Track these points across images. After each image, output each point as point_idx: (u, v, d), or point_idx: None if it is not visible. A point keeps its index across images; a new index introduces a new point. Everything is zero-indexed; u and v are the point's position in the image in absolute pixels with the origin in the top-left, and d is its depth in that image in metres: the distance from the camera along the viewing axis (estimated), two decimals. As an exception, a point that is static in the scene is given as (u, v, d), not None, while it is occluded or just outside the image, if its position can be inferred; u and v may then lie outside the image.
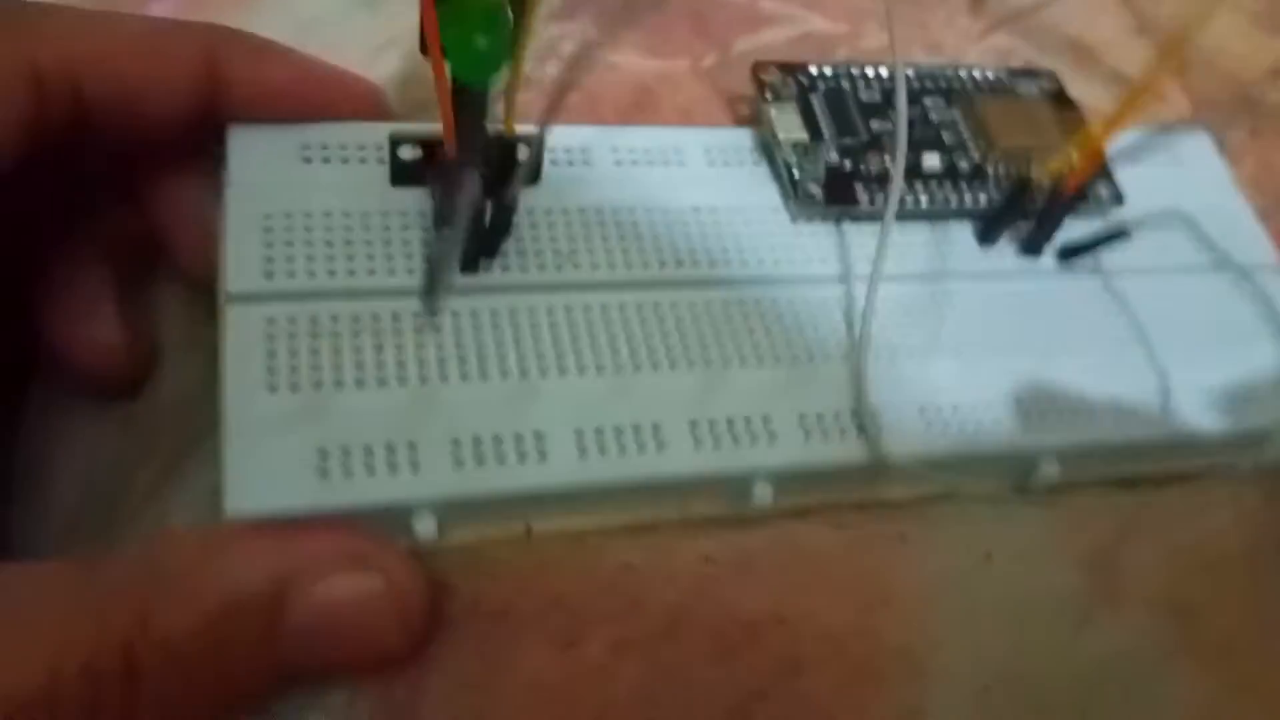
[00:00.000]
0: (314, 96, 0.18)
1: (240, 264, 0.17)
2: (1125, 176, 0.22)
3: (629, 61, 0.21)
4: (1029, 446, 0.18)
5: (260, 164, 0.18)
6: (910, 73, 0.22)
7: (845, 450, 0.17)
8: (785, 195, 0.20)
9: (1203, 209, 0.23)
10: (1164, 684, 0.18)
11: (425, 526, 0.15)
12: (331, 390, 0.16)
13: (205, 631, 0.13)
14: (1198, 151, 0.24)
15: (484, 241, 0.18)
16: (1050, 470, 0.18)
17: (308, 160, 0.19)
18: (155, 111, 0.17)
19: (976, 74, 0.23)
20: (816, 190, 0.20)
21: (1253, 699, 0.18)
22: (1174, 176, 0.23)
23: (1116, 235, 0.20)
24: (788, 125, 0.20)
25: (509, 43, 0.15)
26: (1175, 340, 0.20)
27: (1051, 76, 0.23)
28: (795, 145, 0.20)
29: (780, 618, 0.16)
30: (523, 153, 0.18)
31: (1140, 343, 0.20)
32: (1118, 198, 0.21)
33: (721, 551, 0.17)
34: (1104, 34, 0.23)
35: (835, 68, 0.22)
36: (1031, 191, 0.19)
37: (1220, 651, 0.18)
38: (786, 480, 0.17)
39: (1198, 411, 0.19)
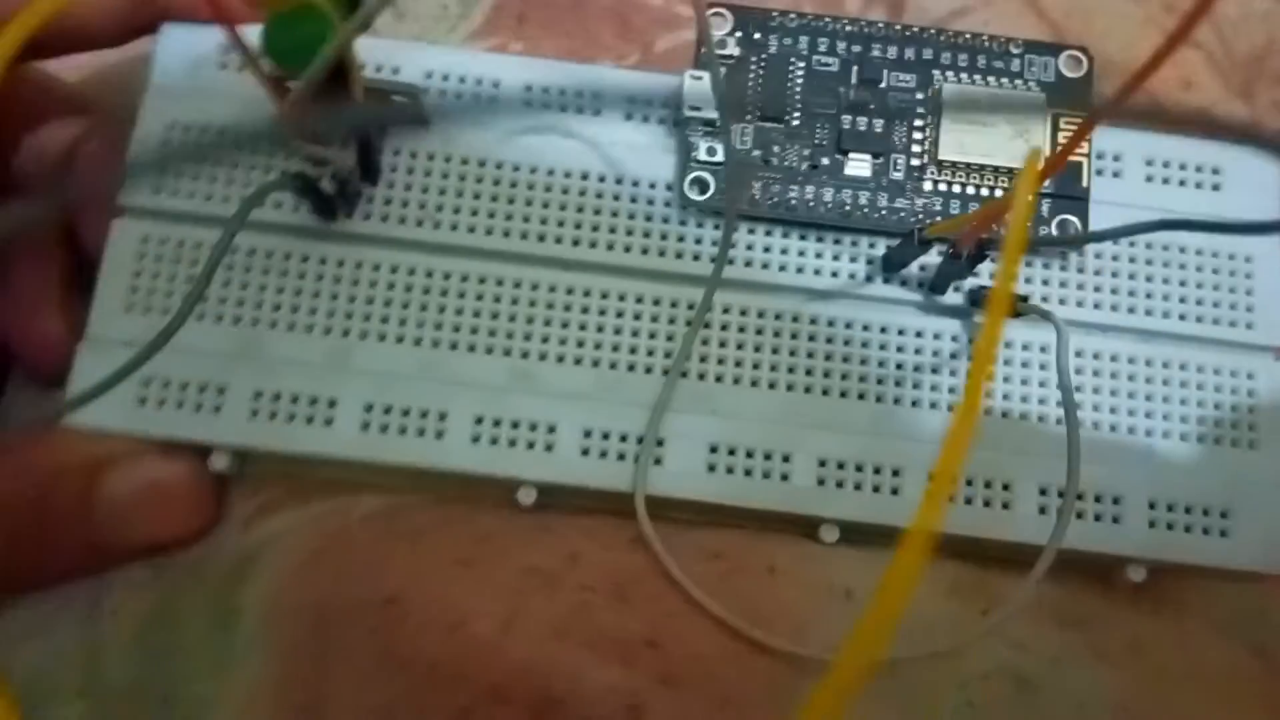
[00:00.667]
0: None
1: (135, 179, 0.19)
2: (1137, 194, 0.20)
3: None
4: (807, 513, 0.18)
5: (179, 68, 0.19)
6: (879, 34, 0.20)
7: (612, 478, 0.18)
8: (675, 180, 0.19)
9: (1220, 257, 0.20)
10: (1058, 683, 0.18)
11: (220, 462, 0.18)
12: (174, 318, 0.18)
13: (25, 494, 0.16)
14: (1253, 181, 0.20)
15: (340, 196, 0.18)
16: (830, 535, 0.18)
17: (223, 66, 0.20)
18: (93, 19, 0.19)
19: (978, 43, 0.20)
20: (702, 185, 0.19)
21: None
22: (1204, 204, 0.19)
23: (1015, 309, 0.17)
24: (701, 98, 0.19)
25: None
26: (1069, 420, 0.17)
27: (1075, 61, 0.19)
28: (704, 124, 0.19)
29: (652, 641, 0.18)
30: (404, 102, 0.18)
31: (1017, 412, 0.19)
32: (1081, 237, 0.19)
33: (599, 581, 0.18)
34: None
35: (802, 17, 0.19)
36: (924, 242, 0.17)
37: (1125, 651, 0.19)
38: (553, 490, 0.18)
39: (1018, 515, 0.18)
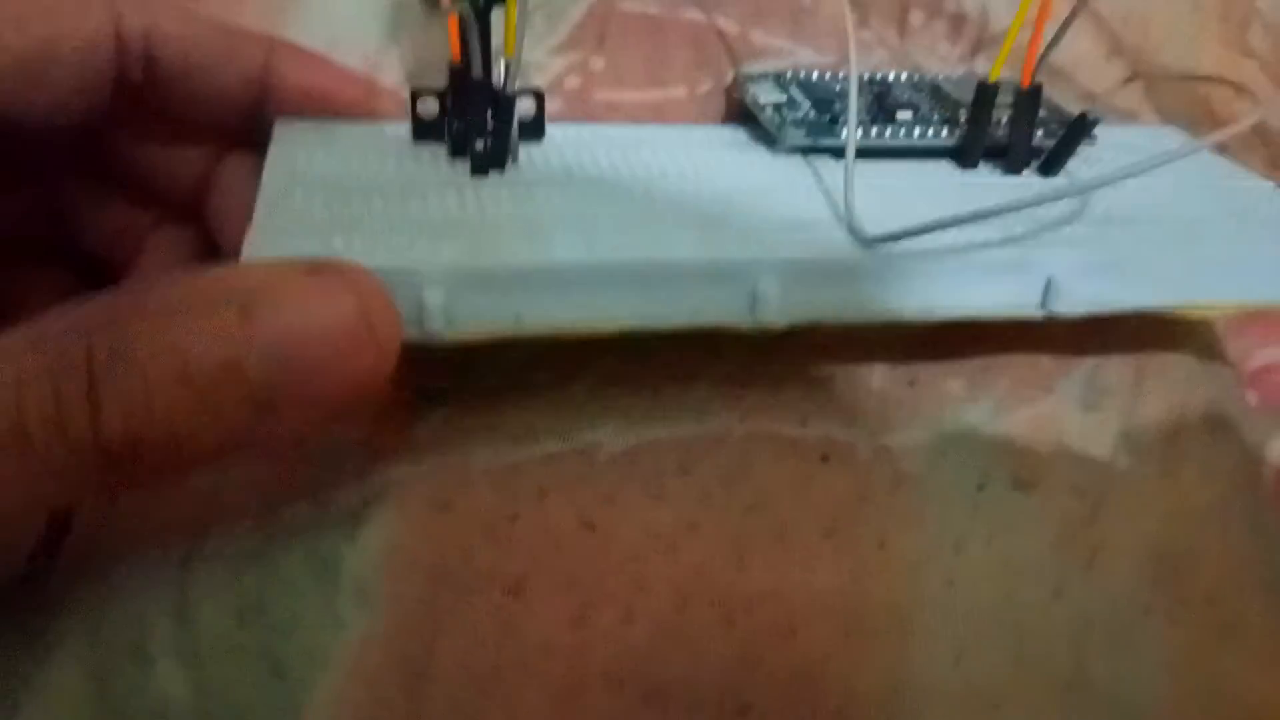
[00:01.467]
0: (349, 97, 0.21)
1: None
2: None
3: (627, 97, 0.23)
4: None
5: (298, 148, 0.21)
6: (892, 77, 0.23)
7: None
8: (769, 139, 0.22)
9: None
10: (1146, 634, 0.18)
11: (434, 297, 0.16)
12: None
13: (165, 340, 0.12)
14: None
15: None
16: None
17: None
18: (217, 94, 0.20)
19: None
20: (797, 129, 0.21)
21: (1232, 643, 0.19)
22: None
23: (1080, 127, 0.21)
24: (767, 92, 0.23)
25: None
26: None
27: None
28: (775, 105, 0.22)
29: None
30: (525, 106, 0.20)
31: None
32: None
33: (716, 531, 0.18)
34: (1076, 55, 0.24)
35: (819, 71, 0.24)
36: (992, 104, 0.21)
37: (1202, 601, 0.19)
38: (790, 281, 0.17)
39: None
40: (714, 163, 0.21)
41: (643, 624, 0.17)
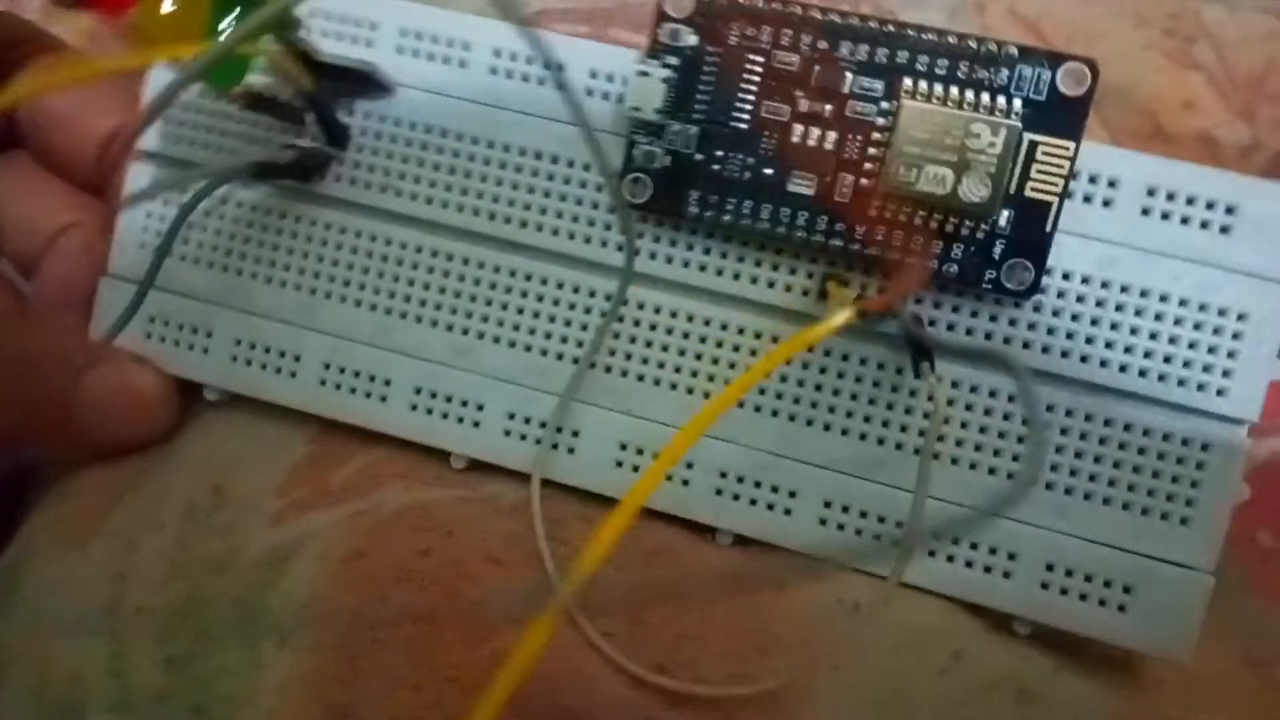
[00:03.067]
0: None
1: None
2: (1134, 229, 0.18)
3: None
4: (707, 521, 0.19)
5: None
6: (845, 32, 0.18)
7: (524, 460, 0.20)
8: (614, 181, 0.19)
9: (1208, 310, 0.18)
10: (1057, 694, 0.19)
11: (212, 394, 0.21)
12: (175, 262, 0.21)
13: (19, 367, 0.19)
14: (1272, 225, 0.18)
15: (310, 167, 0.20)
16: (725, 541, 0.19)
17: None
18: None
19: (955, 50, 0.17)
20: (640, 188, 0.19)
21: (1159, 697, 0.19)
22: (1209, 249, 0.18)
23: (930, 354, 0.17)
24: (644, 97, 0.18)
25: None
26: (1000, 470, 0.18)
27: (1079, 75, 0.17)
28: (645, 125, 0.19)
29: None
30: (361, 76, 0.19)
31: (956, 460, 0.18)
32: (1031, 288, 0.18)
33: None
34: None
35: (758, 11, 0.18)
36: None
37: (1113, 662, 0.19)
38: (479, 466, 0.20)
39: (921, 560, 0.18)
40: (561, 191, 0.20)
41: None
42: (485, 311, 0.19)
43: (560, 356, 0.19)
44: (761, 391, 0.19)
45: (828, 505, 0.18)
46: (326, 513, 0.20)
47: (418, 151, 0.20)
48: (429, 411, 0.20)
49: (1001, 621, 0.18)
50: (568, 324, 0.19)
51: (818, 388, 0.19)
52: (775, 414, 0.19)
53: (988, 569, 0.18)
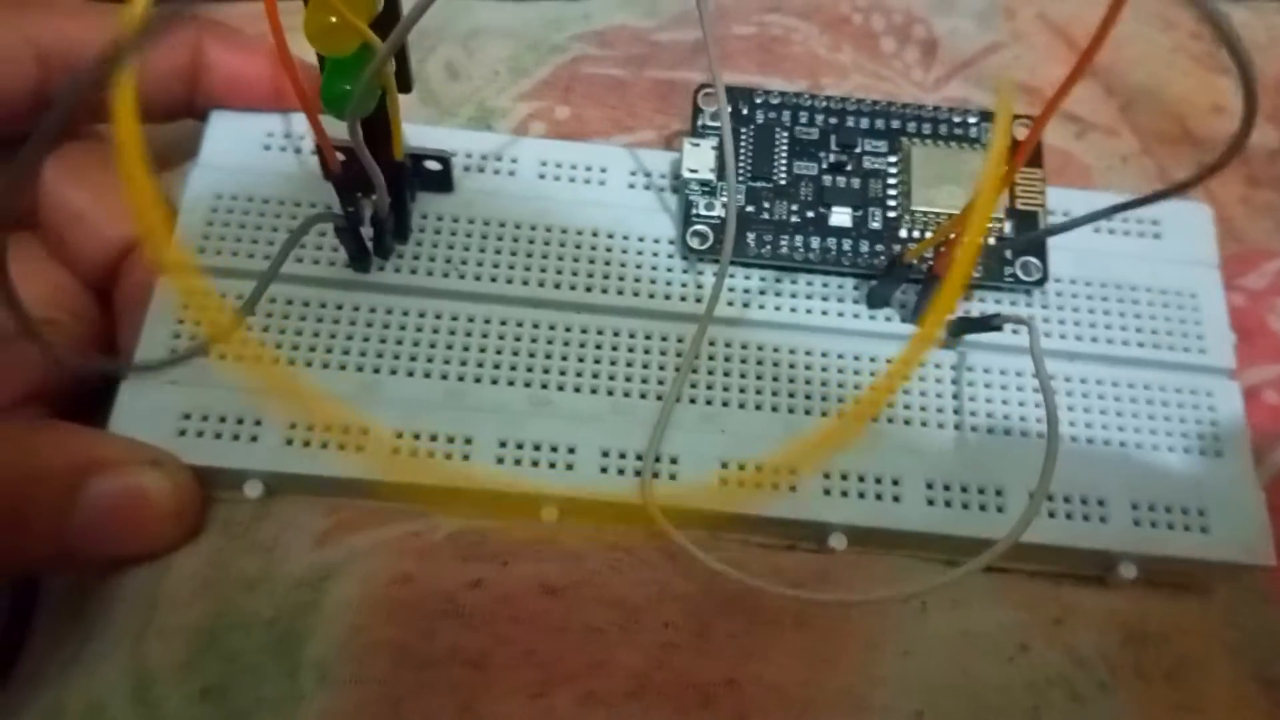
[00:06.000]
0: (280, 86, 0.21)
1: (183, 238, 0.21)
2: (1089, 245, 0.22)
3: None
4: (818, 519, 0.19)
5: (226, 147, 0.22)
6: (852, 107, 0.22)
7: (622, 490, 0.19)
8: (679, 232, 0.21)
9: (1167, 294, 0.22)
10: (1106, 703, 0.18)
11: (253, 489, 0.19)
12: (215, 359, 0.20)
13: (8, 485, 0.16)
14: (1189, 226, 0.22)
15: (375, 246, 0.20)
16: (839, 542, 0.19)
17: (266, 149, 0.22)
18: (146, 92, 0.21)
19: (938, 119, 0.22)
20: (702, 237, 0.21)
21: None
22: (1150, 251, 0.22)
23: (987, 325, 0.19)
24: (698, 161, 0.21)
25: (369, 92, 0.17)
26: (1050, 434, 0.19)
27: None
28: (701, 183, 0.21)
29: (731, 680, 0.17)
30: (436, 166, 0.21)
31: (1002, 430, 0.20)
32: (1043, 275, 0.21)
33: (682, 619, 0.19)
34: (1052, 77, 0.23)
35: (783, 95, 0.22)
36: (905, 266, 0.19)
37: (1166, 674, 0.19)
38: (574, 505, 0.19)
39: (1012, 517, 0.18)
40: (622, 259, 0.21)
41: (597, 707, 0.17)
42: (561, 365, 0.20)
43: (644, 395, 0.20)
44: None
45: (930, 486, 0.19)
46: (376, 530, 0.19)
47: (478, 240, 0.21)
48: (518, 462, 0.19)
49: (1062, 619, 0.19)
50: (645, 366, 0.20)
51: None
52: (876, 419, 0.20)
53: (1085, 517, 0.19)
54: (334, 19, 0.17)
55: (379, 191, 0.19)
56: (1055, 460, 0.17)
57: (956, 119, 0.22)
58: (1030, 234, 0.21)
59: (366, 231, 0.20)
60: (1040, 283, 0.21)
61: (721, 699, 0.18)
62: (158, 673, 0.17)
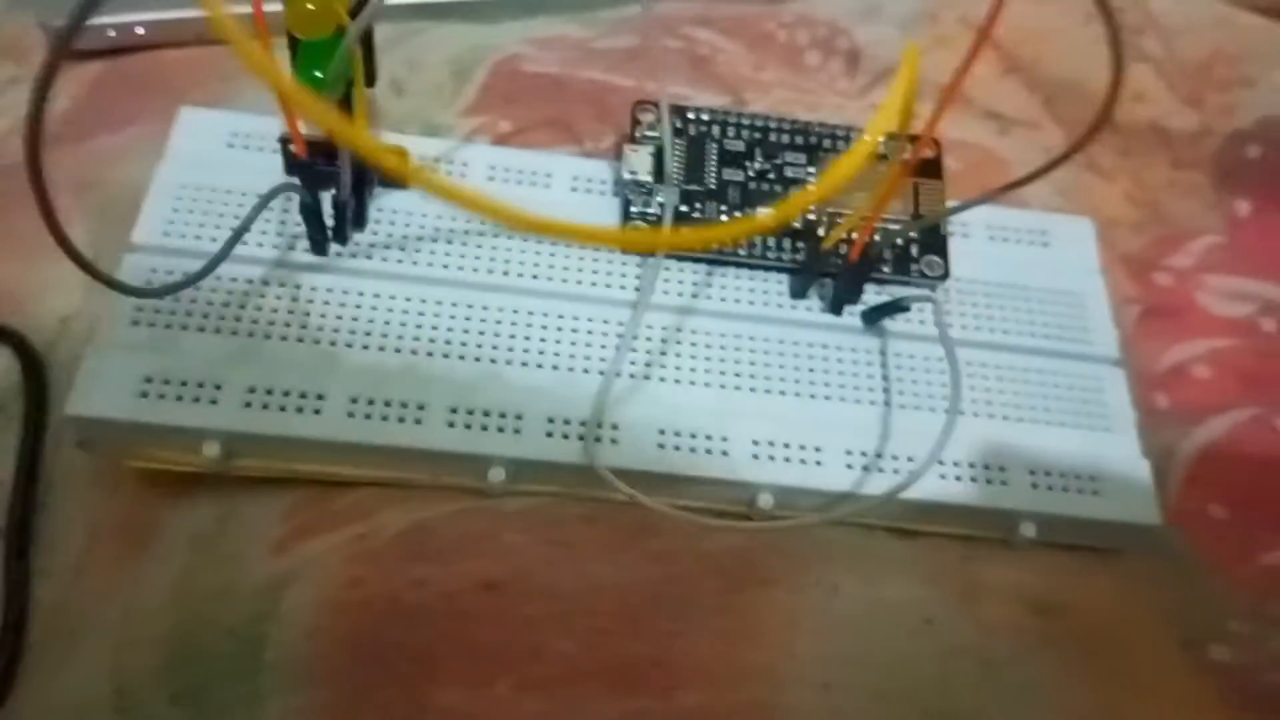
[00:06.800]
0: None
1: (148, 221, 0.22)
2: (985, 251, 0.24)
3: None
4: (748, 480, 0.20)
5: (193, 143, 0.23)
6: (775, 125, 0.24)
7: (572, 454, 0.20)
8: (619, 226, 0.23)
9: (1057, 294, 0.24)
10: (1021, 672, 0.20)
11: (211, 448, 0.20)
12: (176, 331, 0.21)
13: None
14: (1074, 238, 0.25)
15: (334, 231, 0.22)
16: (766, 501, 0.20)
17: (230, 146, 0.23)
18: None
19: (851, 134, 0.24)
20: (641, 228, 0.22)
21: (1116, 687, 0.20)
22: (1039, 258, 0.24)
23: (897, 307, 0.21)
24: (637, 165, 0.23)
25: (341, 76, 0.19)
26: (956, 409, 0.21)
27: (931, 144, 0.24)
28: (638, 185, 0.23)
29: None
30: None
31: (914, 407, 0.22)
32: (944, 272, 0.23)
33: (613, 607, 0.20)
34: (975, 77, 0.24)
35: (712, 112, 0.24)
36: (824, 256, 0.21)
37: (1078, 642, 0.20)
38: (521, 467, 0.20)
39: (934, 480, 0.21)
40: (564, 250, 0.23)
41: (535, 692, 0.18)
42: (509, 343, 0.22)
43: (586, 371, 0.22)
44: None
45: (849, 453, 0.21)
46: (328, 536, 0.20)
47: (431, 229, 0.23)
48: (468, 426, 0.21)
49: (969, 592, 0.21)
50: (588, 345, 0.22)
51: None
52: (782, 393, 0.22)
53: (988, 481, 0.21)
54: (312, 6, 0.19)
55: (343, 173, 0.20)
56: (956, 416, 0.19)
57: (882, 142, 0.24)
58: (926, 218, 0.23)
59: (327, 219, 0.21)
60: (943, 278, 0.23)
61: (650, 678, 0.19)
62: (135, 680, 0.18)
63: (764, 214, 0.20)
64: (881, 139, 0.23)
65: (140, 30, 0.27)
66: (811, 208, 0.23)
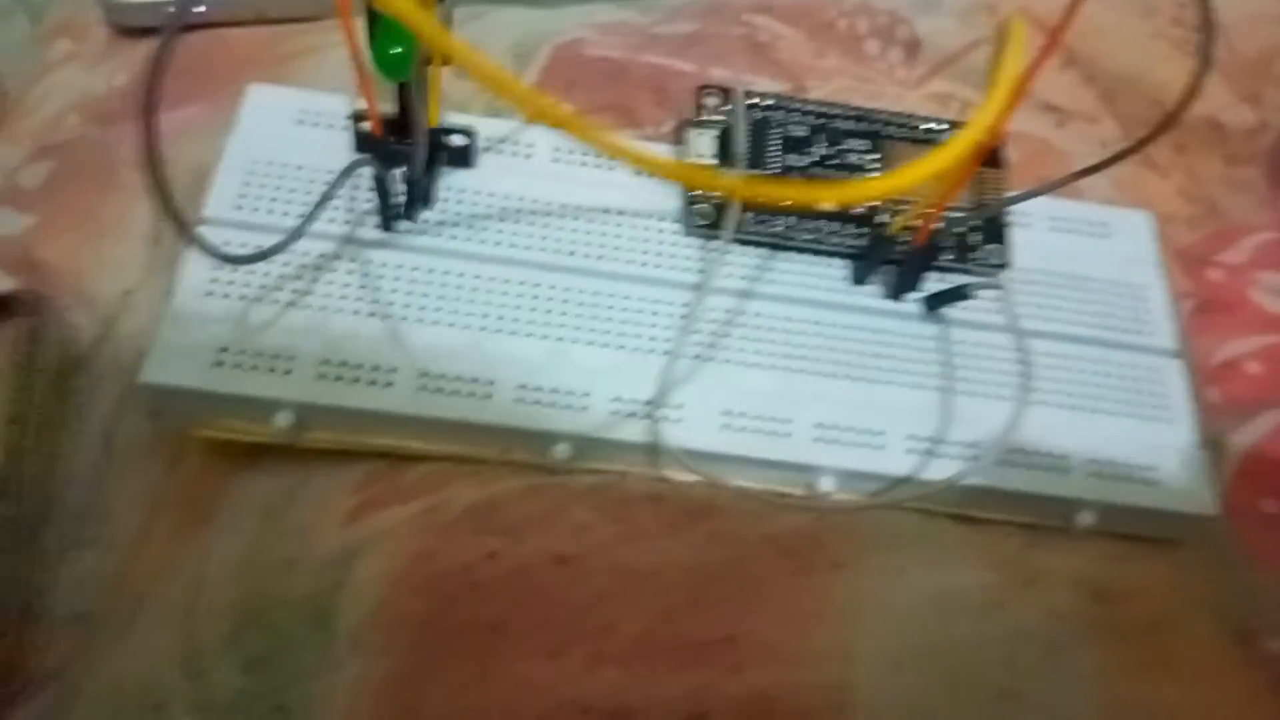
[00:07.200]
0: None
1: (220, 195, 0.22)
2: (1045, 242, 0.24)
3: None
4: (810, 463, 0.20)
5: (263, 121, 0.23)
6: (838, 111, 0.24)
7: (633, 431, 0.21)
8: (682, 210, 0.23)
9: (1117, 285, 0.24)
10: (1084, 657, 0.20)
11: (284, 418, 0.20)
12: (250, 303, 0.21)
13: None
14: (1133, 230, 0.25)
15: (404, 208, 0.22)
16: (828, 484, 0.21)
17: (300, 123, 0.23)
18: None
19: (914, 122, 0.25)
20: (704, 214, 0.23)
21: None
22: (1099, 249, 0.24)
23: (961, 294, 0.22)
24: (701, 147, 0.23)
25: (416, 54, 0.19)
26: (1017, 397, 0.21)
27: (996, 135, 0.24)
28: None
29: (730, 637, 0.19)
30: (461, 141, 0.22)
31: (974, 394, 0.22)
32: (1005, 261, 0.23)
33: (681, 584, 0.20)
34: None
35: (777, 97, 0.24)
36: (889, 242, 0.22)
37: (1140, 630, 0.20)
38: (586, 445, 0.20)
39: (995, 467, 0.21)
40: (629, 234, 0.23)
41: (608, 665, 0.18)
42: (576, 323, 0.22)
43: (651, 351, 0.22)
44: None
45: (910, 438, 0.22)
46: (398, 509, 0.20)
47: (498, 209, 0.23)
48: (536, 403, 0.21)
49: (1032, 578, 0.21)
50: (652, 326, 0.22)
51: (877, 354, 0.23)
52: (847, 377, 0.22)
53: (1048, 468, 0.22)
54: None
55: (418, 150, 0.21)
56: (1026, 400, 0.19)
57: (928, 125, 0.25)
58: (988, 207, 0.23)
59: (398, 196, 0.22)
60: (1003, 266, 0.23)
61: (719, 654, 0.19)
62: (206, 647, 0.19)
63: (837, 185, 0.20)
64: (946, 126, 0.23)
65: (201, 8, 0.27)
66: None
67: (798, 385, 0.21)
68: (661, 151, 0.24)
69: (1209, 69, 0.14)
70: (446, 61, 0.21)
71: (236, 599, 0.19)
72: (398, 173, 0.21)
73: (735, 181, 0.21)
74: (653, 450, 0.20)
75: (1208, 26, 0.14)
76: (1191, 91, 0.15)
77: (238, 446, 0.20)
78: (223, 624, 0.18)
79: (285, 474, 0.21)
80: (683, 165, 0.22)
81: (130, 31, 0.27)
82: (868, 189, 0.16)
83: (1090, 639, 0.20)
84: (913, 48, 0.26)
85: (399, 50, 0.19)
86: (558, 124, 0.12)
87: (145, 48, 0.26)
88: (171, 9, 0.28)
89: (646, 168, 0.18)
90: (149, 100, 0.12)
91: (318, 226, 0.21)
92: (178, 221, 0.15)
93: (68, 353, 0.22)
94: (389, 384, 0.20)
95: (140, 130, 0.13)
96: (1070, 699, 0.19)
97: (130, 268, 0.23)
